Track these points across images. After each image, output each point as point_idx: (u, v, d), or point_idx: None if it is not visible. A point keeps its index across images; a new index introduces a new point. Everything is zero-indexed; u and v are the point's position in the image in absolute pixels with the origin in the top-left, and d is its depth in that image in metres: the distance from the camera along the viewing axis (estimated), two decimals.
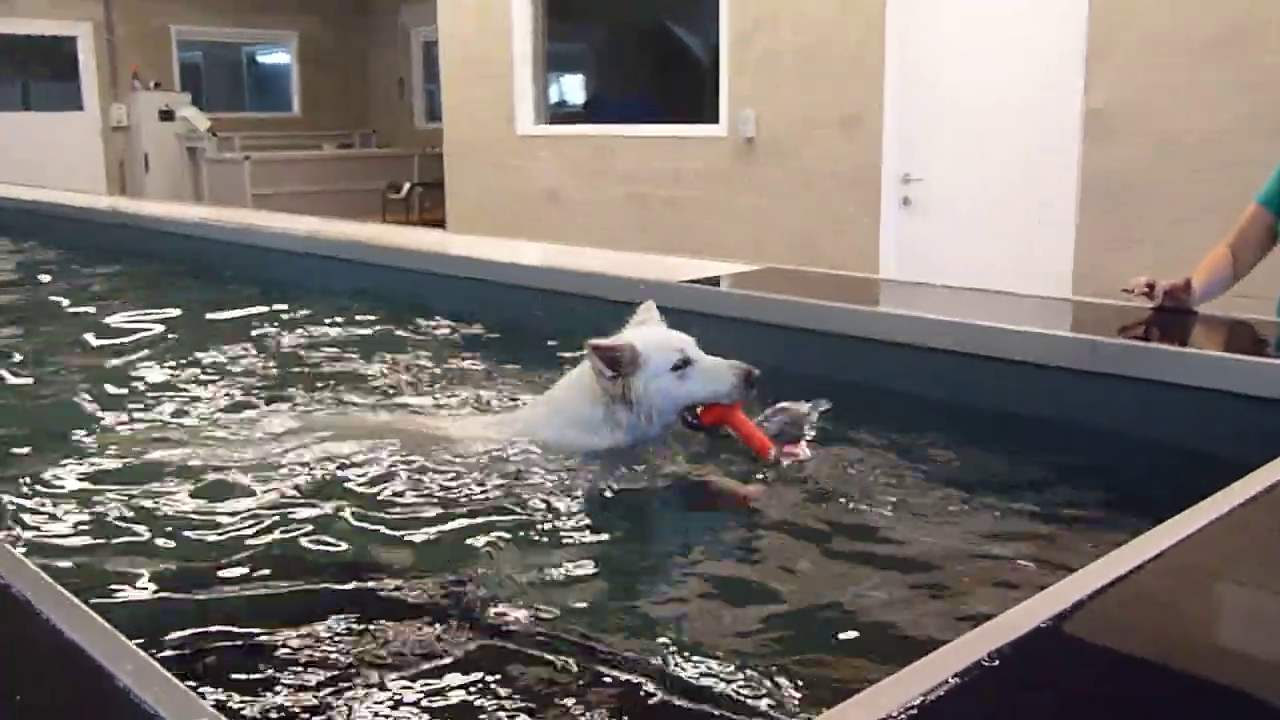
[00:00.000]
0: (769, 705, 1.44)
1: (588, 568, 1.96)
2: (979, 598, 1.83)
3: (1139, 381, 2.45)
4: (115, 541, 2.07)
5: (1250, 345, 2.83)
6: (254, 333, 3.88)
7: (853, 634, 1.70)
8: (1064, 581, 1.26)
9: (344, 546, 2.04)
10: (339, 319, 4.06)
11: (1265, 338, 2.95)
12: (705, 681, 1.51)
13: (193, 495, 2.25)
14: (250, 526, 2.11)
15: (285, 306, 4.24)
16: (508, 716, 1.44)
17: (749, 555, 2.11)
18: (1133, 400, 2.45)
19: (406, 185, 12.67)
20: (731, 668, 1.54)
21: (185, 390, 3.16)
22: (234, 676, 1.54)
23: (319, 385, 3.20)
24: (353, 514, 2.16)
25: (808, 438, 2.44)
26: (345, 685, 1.52)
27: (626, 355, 2.40)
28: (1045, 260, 5.88)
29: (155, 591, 1.87)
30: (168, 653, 1.60)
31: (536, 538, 2.09)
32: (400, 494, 2.28)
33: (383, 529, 2.11)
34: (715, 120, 7.30)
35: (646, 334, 2.48)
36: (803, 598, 1.85)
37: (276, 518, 2.14)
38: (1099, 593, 1.24)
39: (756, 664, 1.56)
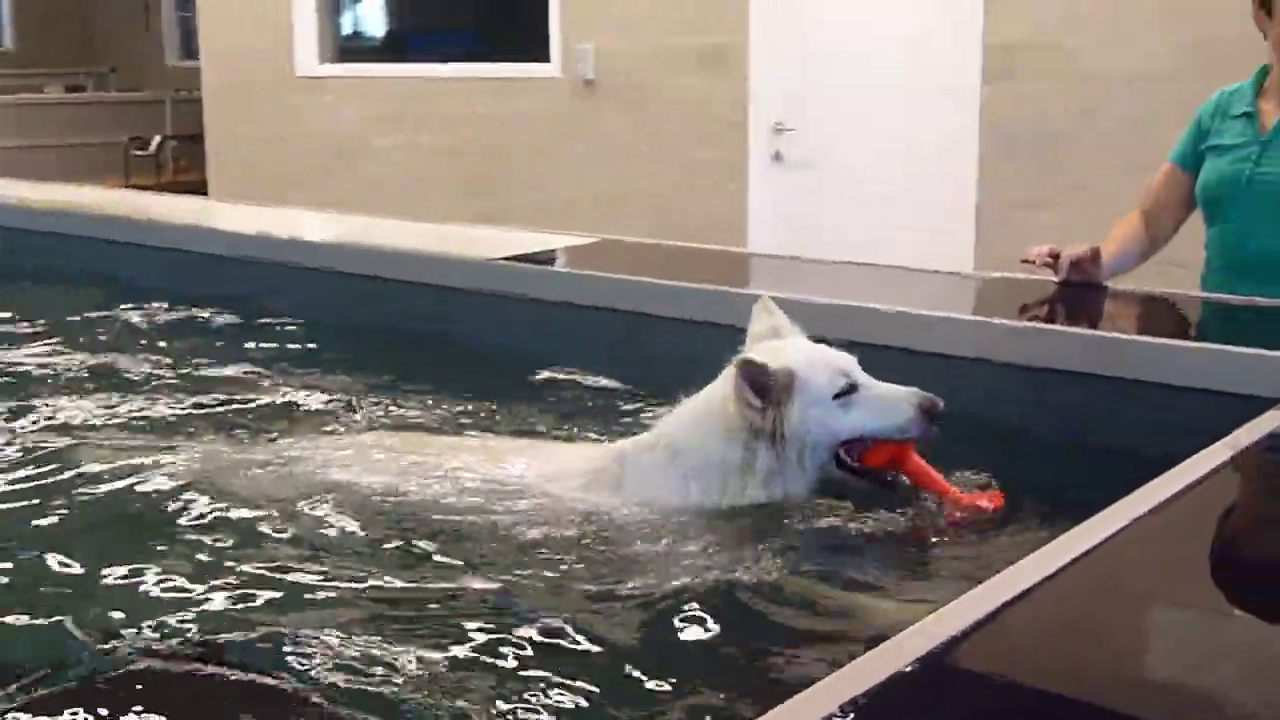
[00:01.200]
0: None
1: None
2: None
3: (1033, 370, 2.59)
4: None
5: (1161, 326, 3.02)
6: None
7: None
8: (959, 601, 1.34)
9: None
10: (70, 315, 3.95)
11: (1182, 315, 3.14)
12: None
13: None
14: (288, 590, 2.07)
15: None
16: None
17: None
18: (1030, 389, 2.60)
19: (156, 139, 12.32)
20: None
21: None
22: None
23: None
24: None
25: (993, 485, 2.33)
26: None
27: (781, 379, 2.24)
28: (943, 224, 6.10)
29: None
30: None
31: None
32: (457, 593, 2.06)
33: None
34: (546, 58, 7.32)
35: (799, 350, 2.33)
36: None
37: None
38: (1001, 611, 1.33)
39: None
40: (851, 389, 2.27)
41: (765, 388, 2.24)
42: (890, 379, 2.29)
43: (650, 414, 2.83)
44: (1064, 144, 5.68)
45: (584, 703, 1.68)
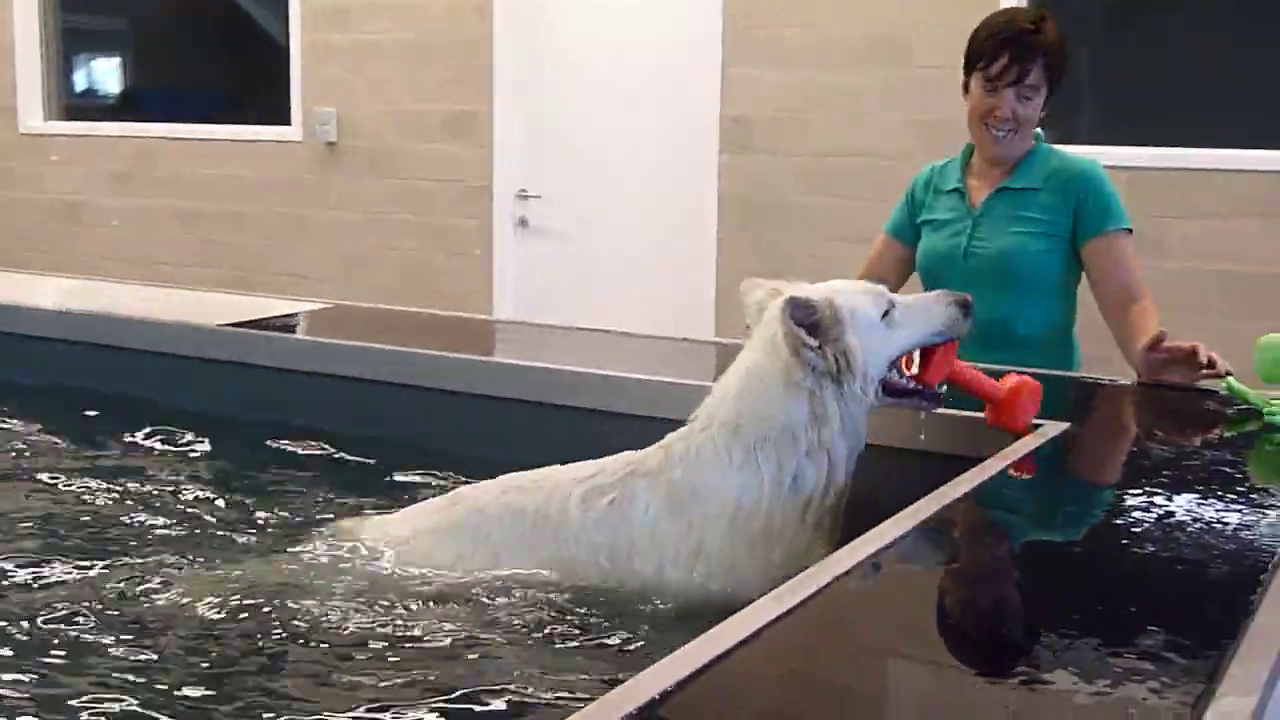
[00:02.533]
0: None
1: None
2: None
3: None
4: None
5: None
6: None
7: None
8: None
9: None
10: None
11: None
12: None
13: None
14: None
15: None
16: None
17: None
18: None
19: None
20: None
21: None
22: None
23: None
24: None
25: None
26: None
27: (831, 311, 2.09)
28: (684, 291, 6.22)
29: None
30: None
31: None
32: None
33: None
34: (287, 120, 7.19)
35: (827, 286, 2.20)
36: None
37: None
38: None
39: None
40: (892, 306, 2.20)
41: (817, 325, 2.08)
42: (603, 443, 2.30)
43: (396, 478, 2.79)
44: (797, 215, 5.88)
45: None
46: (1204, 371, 2.71)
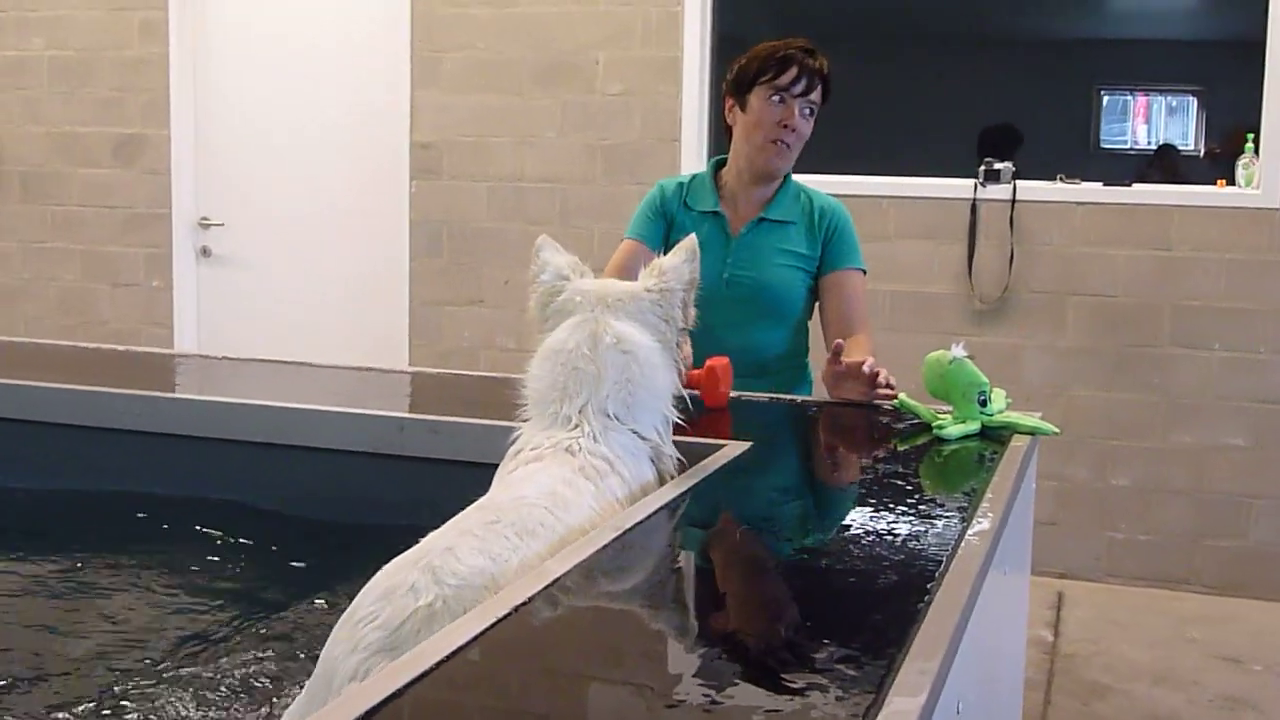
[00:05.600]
0: None
1: None
2: None
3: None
4: None
5: None
6: None
7: None
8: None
9: None
10: None
11: None
12: None
13: None
14: None
15: None
16: None
17: None
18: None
19: None
20: None
21: None
22: None
23: None
24: None
25: None
26: None
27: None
28: (379, 319, 6.12)
29: None
30: None
31: None
32: None
33: None
34: None
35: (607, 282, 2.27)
36: None
37: None
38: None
39: None
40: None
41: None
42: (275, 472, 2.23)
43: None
44: (488, 240, 5.87)
45: None
46: (877, 391, 2.84)
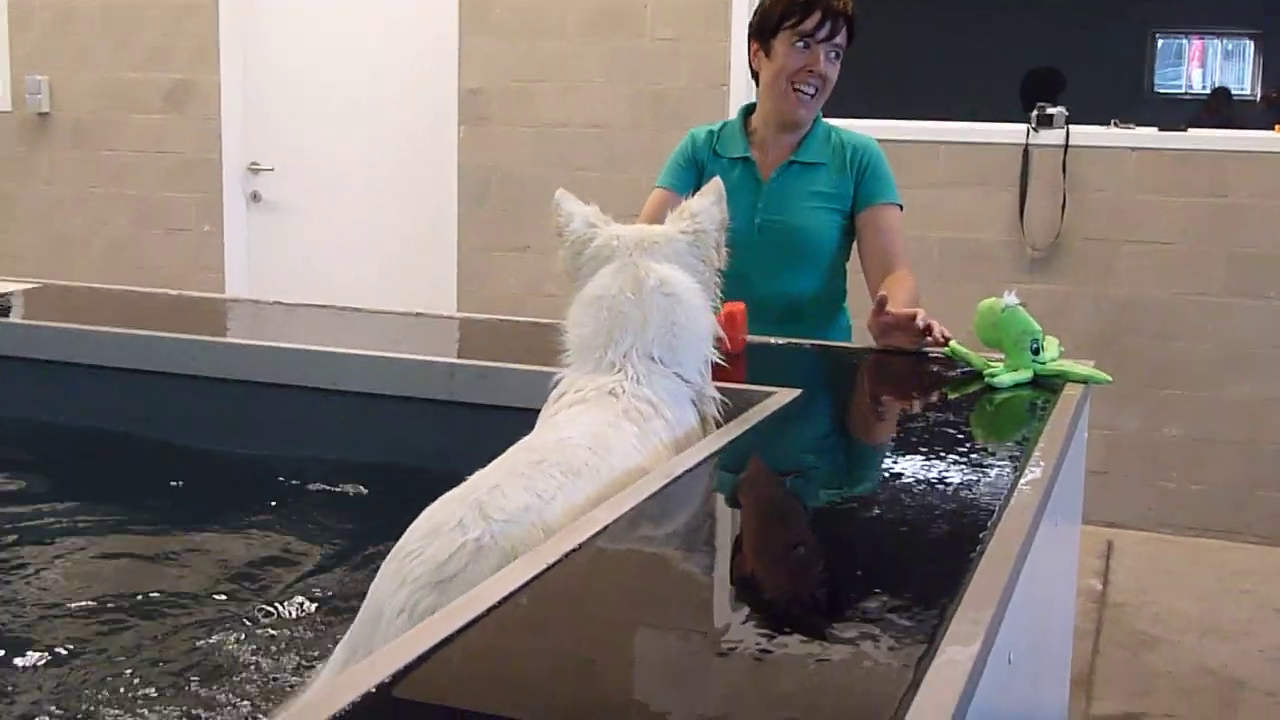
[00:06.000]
0: None
1: None
2: None
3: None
4: None
5: None
6: None
7: None
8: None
9: None
10: None
11: None
12: None
13: None
14: None
15: None
16: None
17: None
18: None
19: None
20: None
21: None
22: None
23: None
24: None
25: None
26: None
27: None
28: (426, 265, 6.13)
29: None
30: None
31: None
32: None
33: None
34: None
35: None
36: None
37: None
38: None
39: None
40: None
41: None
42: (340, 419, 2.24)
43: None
44: (534, 187, 5.86)
45: None
46: (926, 338, 2.81)
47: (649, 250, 2.16)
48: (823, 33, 3.11)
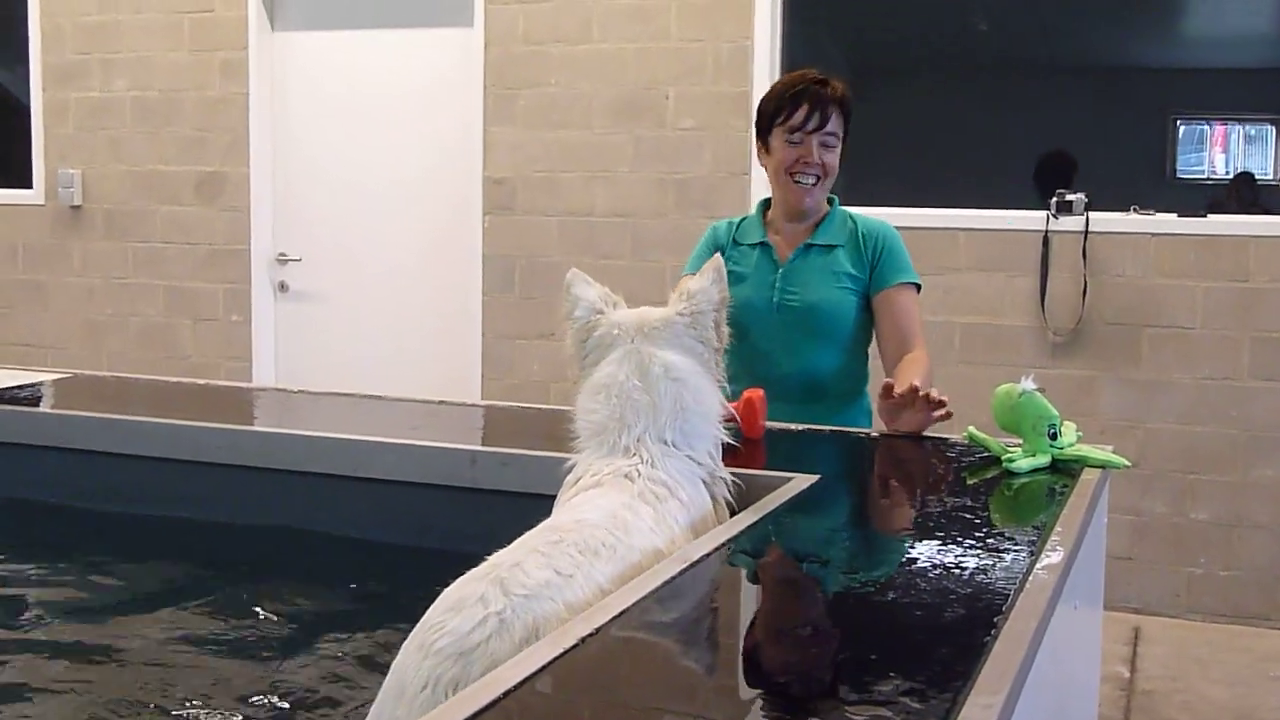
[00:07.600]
0: None
1: None
2: None
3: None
4: None
5: None
6: None
7: None
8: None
9: None
10: None
11: None
12: None
13: None
14: None
15: None
16: None
17: None
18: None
19: None
20: None
21: None
22: None
23: None
24: None
25: None
26: None
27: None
28: (450, 352, 6.19)
29: None
30: None
31: None
32: None
33: None
34: (28, 183, 6.89)
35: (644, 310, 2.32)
36: None
37: None
38: None
39: None
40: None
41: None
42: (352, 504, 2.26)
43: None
44: (559, 275, 5.90)
45: None
46: (934, 415, 2.83)
47: (649, 336, 2.21)
48: (812, 124, 3.19)
